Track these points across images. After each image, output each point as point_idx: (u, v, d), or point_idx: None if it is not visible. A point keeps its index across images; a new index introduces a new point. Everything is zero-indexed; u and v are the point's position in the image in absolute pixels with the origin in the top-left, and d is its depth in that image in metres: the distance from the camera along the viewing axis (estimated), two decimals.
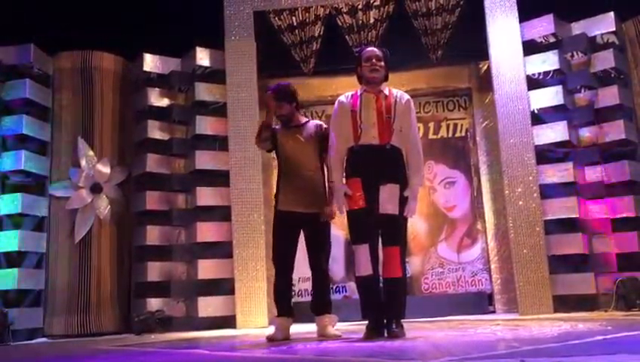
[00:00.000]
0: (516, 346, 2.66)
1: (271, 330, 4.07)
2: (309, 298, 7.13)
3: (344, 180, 3.82)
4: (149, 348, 4.03)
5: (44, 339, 6.18)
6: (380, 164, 3.72)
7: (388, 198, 3.65)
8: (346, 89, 4.15)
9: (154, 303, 6.47)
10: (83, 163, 6.60)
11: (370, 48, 3.98)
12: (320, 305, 4.32)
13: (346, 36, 6.89)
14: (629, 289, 5.63)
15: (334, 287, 7.19)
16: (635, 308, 5.51)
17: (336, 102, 3.97)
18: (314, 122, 4.37)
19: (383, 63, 3.87)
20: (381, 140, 3.74)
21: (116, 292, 6.65)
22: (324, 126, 4.29)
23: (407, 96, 3.92)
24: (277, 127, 4.37)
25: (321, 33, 6.92)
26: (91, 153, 6.65)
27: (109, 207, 6.66)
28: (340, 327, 5.39)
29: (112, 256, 6.65)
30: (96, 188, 6.60)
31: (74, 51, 6.87)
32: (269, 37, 6.87)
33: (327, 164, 4.15)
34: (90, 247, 6.50)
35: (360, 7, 6.84)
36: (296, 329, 5.70)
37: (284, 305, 4.16)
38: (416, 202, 3.77)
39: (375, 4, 6.84)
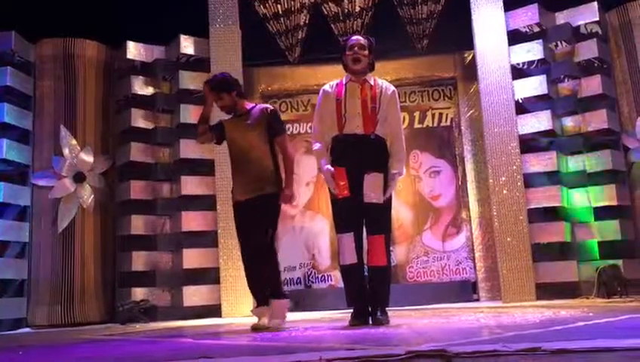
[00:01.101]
0: (499, 332, 2.69)
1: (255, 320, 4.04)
2: (294, 286, 7.19)
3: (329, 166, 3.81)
4: (134, 338, 4.01)
5: (27, 329, 6.14)
6: (364, 154, 3.72)
7: (372, 187, 3.65)
8: (331, 78, 4.14)
9: (139, 293, 6.45)
10: (66, 152, 6.54)
11: (355, 37, 3.96)
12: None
13: (332, 25, 6.87)
14: (610, 277, 5.71)
15: (320, 276, 7.21)
16: (615, 295, 5.59)
17: (321, 91, 3.95)
18: (260, 106, 4.20)
19: (366, 52, 3.85)
20: (365, 130, 3.74)
21: (100, 282, 6.62)
22: (270, 108, 4.15)
23: (392, 88, 3.92)
24: (226, 118, 4.24)
25: (307, 22, 6.90)
26: (74, 142, 6.59)
27: (93, 196, 6.61)
28: (325, 315, 5.42)
29: (95, 245, 6.61)
30: (79, 177, 6.55)
31: (56, 39, 6.78)
32: (254, 25, 6.83)
33: (279, 147, 4.07)
34: (74, 237, 6.45)
35: None
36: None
37: (259, 295, 4.03)
38: (392, 189, 3.76)
39: None
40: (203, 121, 4.17)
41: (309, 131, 7.18)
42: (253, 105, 4.25)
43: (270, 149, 4.08)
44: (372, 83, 3.87)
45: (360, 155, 3.71)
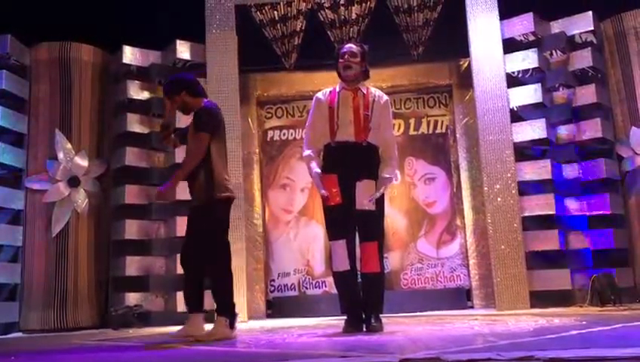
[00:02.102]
0: (493, 340, 2.69)
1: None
2: (289, 293, 7.18)
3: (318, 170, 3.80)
4: (127, 343, 3.99)
5: (19, 334, 6.10)
6: (356, 161, 3.73)
7: (364, 194, 3.66)
8: (327, 84, 4.16)
9: (132, 298, 6.43)
10: (60, 155, 6.52)
11: (347, 45, 3.98)
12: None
13: (328, 31, 6.88)
14: (604, 285, 5.72)
15: (314, 282, 7.20)
16: (609, 304, 5.60)
17: (314, 99, 3.97)
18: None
19: (358, 59, 3.86)
20: (357, 138, 3.75)
21: (94, 287, 6.59)
22: (202, 105, 3.96)
23: (385, 97, 3.94)
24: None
25: (303, 28, 6.90)
26: (69, 146, 6.57)
27: (87, 200, 6.58)
28: (319, 322, 5.41)
29: (89, 250, 6.59)
30: (73, 182, 6.53)
31: (52, 42, 6.77)
32: (251, 31, 6.83)
33: (197, 149, 3.78)
34: (68, 241, 6.42)
35: (342, 2, 6.83)
36: (276, 323, 5.71)
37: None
38: (381, 193, 3.73)
39: None
40: (162, 127, 4.10)
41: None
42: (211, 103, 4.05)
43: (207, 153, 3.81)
44: (365, 91, 3.88)
45: (352, 163, 3.72)
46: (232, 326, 3.73)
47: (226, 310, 3.76)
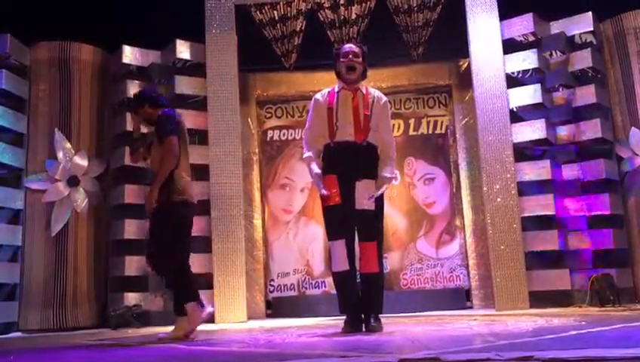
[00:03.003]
0: (492, 340, 2.69)
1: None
2: (288, 293, 7.18)
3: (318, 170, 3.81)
4: (126, 343, 3.99)
5: (19, 334, 6.09)
6: (355, 161, 3.73)
7: (364, 194, 3.67)
8: (327, 84, 4.16)
9: (131, 297, 6.42)
10: (60, 155, 6.51)
11: (348, 45, 3.99)
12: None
13: (328, 32, 6.88)
14: (603, 286, 5.72)
15: (314, 282, 7.20)
16: (608, 304, 5.60)
17: (312, 100, 3.97)
18: None
19: (360, 60, 3.87)
20: (357, 138, 3.76)
21: (93, 287, 6.59)
22: (160, 113, 4.04)
23: (384, 97, 3.95)
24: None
25: (303, 28, 6.90)
26: (68, 145, 6.57)
27: (87, 200, 6.58)
28: (319, 322, 5.41)
29: (89, 249, 6.58)
30: (73, 181, 6.52)
31: (52, 42, 6.77)
32: (251, 31, 6.83)
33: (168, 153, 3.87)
34: (67, 241, 6.42)
35: (342, 2, 6.83)
36: (275, 323, 5.71)
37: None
38: (381, 192, 3.75)
39: None
40: (133, 142, 4.24)
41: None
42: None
43: (162, 158, 3.93)
44: (364, 91, 3.88)
45: (351, 163, 3.73)
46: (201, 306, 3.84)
47: (188, 298, 3.87)
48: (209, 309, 3.86)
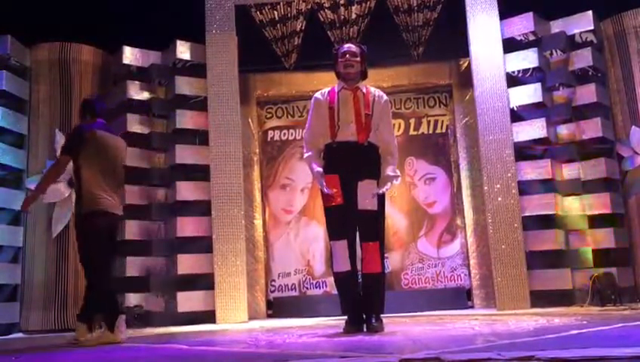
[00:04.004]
0: (493, 340, 2.69)
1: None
2: (289, 293, 7.18)
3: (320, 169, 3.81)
4: (128, 344, 3.99)
5: (20, 334, 6.10)
6: (357, 161, 3.73)
7: (366, 194, 3.66)
8: (327, 84, 4.15)
9: (133, 298, 6.42)
10: None
11: (347, 45, 3.99)
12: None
13: (328, 32, 6.88)
14: (604, 285, 5.72)
15: (315, 283, 7.20)
16: (609, 303, 5.60)
17: (312, 99, 3.96)
18: None
19: (358, 59, 3.87)
20: (359, 138, 3.75)
21: None
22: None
23: (385, 96, 3.94)
24: None
25: (303, 28, 6.91)
26: None
27: None
28: (320, 322, 5.41)
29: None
30: (74, 182, 6.51)
31: (52, 43, 6.77)
32: (251, 31, 6.84)
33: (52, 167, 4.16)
34: (68, 242, 6.42)
35: (342, 2, 6.84)
36: (276, 323, 5.71)
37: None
38: (385, 190, 3.74)
39: None
40: None
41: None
42: None
43: (74, 172, 4.09)
44: (364, 91, 3.88)
45: (353, 163, 3.72)
46: (111, 327, 3.85)
47: (79, 316, 4.00)
48: (91, 335, 3.90)
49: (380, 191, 3.70)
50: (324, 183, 3.72)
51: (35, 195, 4.18)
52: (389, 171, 3.77)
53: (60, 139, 6.52)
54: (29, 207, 4.32)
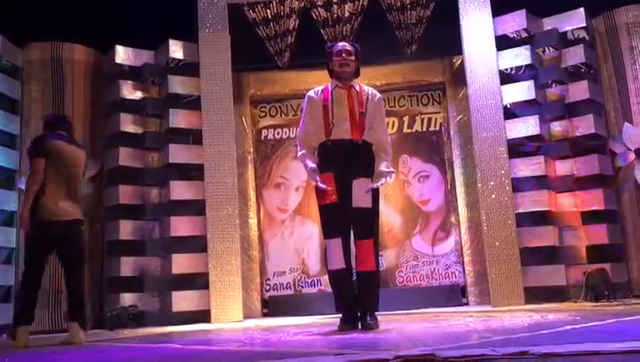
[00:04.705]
0: (488, 336, 2.70)
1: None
2: (284, 292, 7.18)
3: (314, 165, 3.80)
4: (122, 344, 3.99)
5: None
6: (352, 159, 3.73)
7: (360, 192, 3.66)
8: (321, 82, 4.15)
9: (127, 298, 6.41)
10: None
11: (341, 43, 4.00)
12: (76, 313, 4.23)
13: (321, 30, 6.88)
14: (598, 281, 5.74)
15: (310, 281, 7.20)
16: (603, 299, 5.62)
17: (306, 98, 3.96)
18: None
19: (353, 58, 3.88)
20: (354, 136, 3.75)
21: (88, 288, 6.54)
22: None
23: (378, 94, 3.95)
24: None
25: (296, 26, 6.90)
26: None
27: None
28: (315, 320, 5.41)
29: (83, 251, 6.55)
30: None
31: (44, 43, 6.74)
32: (244, 30, 6.82)
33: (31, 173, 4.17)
34: None
35: (335, 0, 6.83)
36: (272, 322, 5.71)
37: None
38: (380, 185, 3.74)
39: None
40: None
41: None
42: None
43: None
44: (358, 89, 3.88)
45: (348, 161, 3.72)
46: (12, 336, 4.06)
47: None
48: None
49: (374, 186, 3.70)
50: (318, 178, 3.72)
51: (25, 209, 4.14)
52: (383, 167, 3.78)
53: None
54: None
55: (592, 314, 3.94)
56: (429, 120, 7.49)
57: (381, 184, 3.74)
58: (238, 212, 6.55)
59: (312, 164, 3.79)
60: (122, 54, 6.88)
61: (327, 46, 4.07)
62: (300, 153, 3.89)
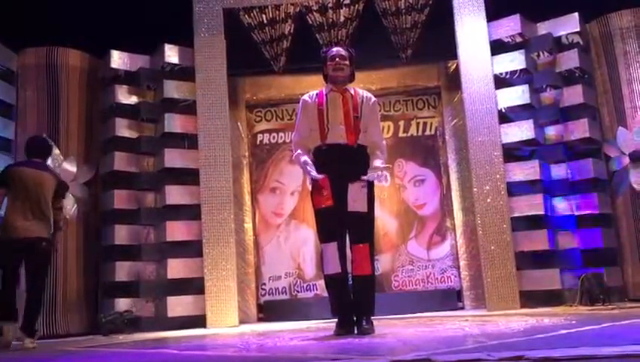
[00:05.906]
0: (483, 341, 2.70)
1: None
2: (279, 296, 7.17)
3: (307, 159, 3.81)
4: (117, 349, 3.97)
5: None
6: (348, 163, 3.74)
7: (356, 196, 3.66)
8: (316, 87, 4.16)
9: (122, 303, 6.38)
10: (49, 161, 6.45)
11: (335, 48, 4.02)
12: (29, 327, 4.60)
13: (317, 34, 6.89)
14: (593, 285, 5.75)
15: (305, 285, 7.19)
16: (598, 303, 5.63)
17: (300, 102, 3.97)
18: None
19: (347, 62, 3.89)
20: (349, 140, 3.76)
21: (83, 293, 6.54)
22: None
23: (373, 98, 3.97)
24: None
25: (292, 31, 6.91)
26: (57, 151, 6.52)
27: (76, 206, 6.54)
28: (311, 325, 5.40)
29: (78, 255, 6.54)
30: None
31: (39, 47, 6.72)
32: (240, 34, 6.83)
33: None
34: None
35: (330, 5, 6.85)
36: (267, 327, 5.70)
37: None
38: (371, 178, 3.73)
39: (345, 2, 6.85)
40: None
41: None
42: None
43: None
44: (352, 93, 3.90)
45: (344, 165, 3.72)
46: None
47: None
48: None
49: (369, 179, 3.69)
50: (313, 171, 3.70)
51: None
52: (378, 163, 3.77)
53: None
54: None
55: (588, 318, 3.95)
56: (425, 124, 7.51)
57: (375, 177, 3.72)
58: (233, 216, 6.54)
59: (305, 158, 3.79)
60: (117, 59, 6.88)
61: (322, 51, 4.08)
62: (295, 153, 3.91)
